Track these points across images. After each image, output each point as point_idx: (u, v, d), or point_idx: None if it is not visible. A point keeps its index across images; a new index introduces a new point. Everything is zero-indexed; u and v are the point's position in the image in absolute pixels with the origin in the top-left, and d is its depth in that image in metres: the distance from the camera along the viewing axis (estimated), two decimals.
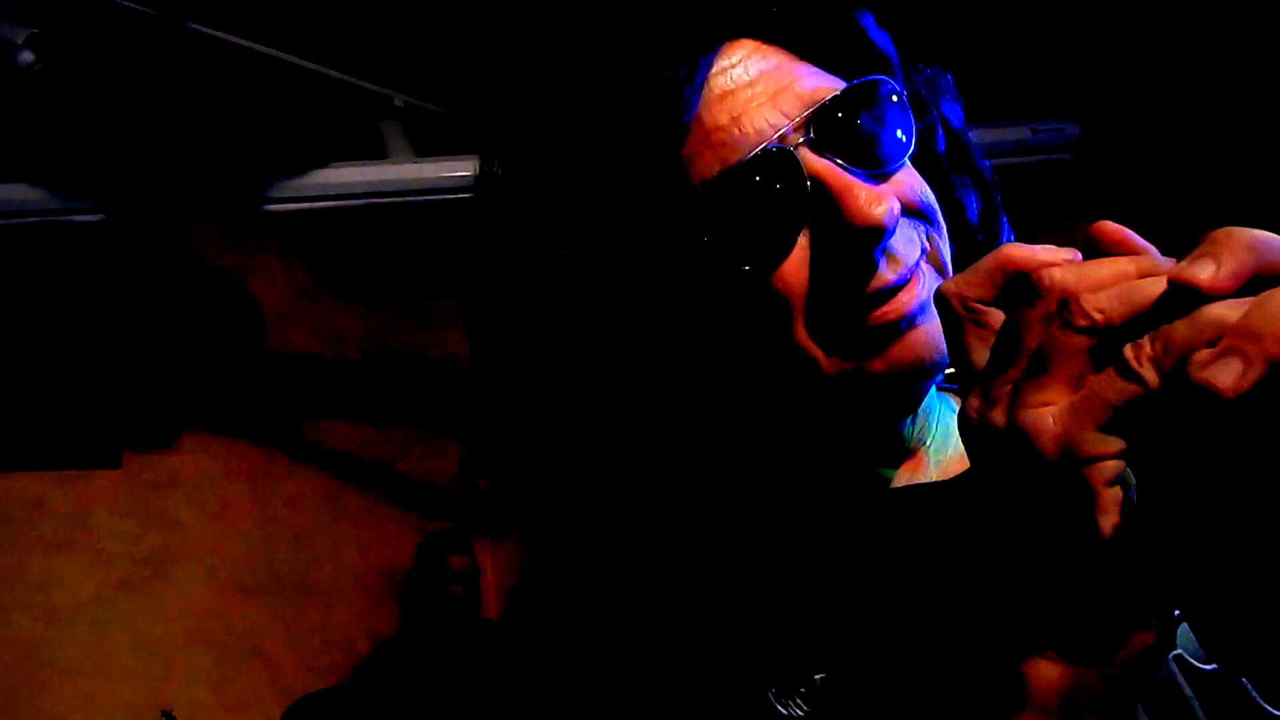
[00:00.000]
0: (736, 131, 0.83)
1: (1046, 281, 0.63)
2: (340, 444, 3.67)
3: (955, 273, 0.83)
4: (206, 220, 3.24)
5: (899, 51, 0.92)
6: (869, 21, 0.92)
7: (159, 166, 2.93)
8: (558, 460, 0.94)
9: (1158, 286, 0.61)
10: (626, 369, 0.88)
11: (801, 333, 0.84)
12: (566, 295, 0.89)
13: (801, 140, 0.83)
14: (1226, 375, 0.57)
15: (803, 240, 0.83)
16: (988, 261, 0.66)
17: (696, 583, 0.85)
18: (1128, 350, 0.60)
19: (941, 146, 0.95)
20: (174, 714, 3.11)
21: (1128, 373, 0.60)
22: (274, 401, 3.48)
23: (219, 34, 2.85)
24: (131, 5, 2.82)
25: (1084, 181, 3.14)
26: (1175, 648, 0.81)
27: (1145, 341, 0.60)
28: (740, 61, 0.86)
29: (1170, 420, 0.60)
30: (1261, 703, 0.79)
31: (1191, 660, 0.81)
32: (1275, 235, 0.61)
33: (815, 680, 0.79)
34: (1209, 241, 0.60)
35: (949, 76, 0.98)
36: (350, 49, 2.84)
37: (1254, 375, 0.56)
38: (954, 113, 0.98)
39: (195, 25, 2.85)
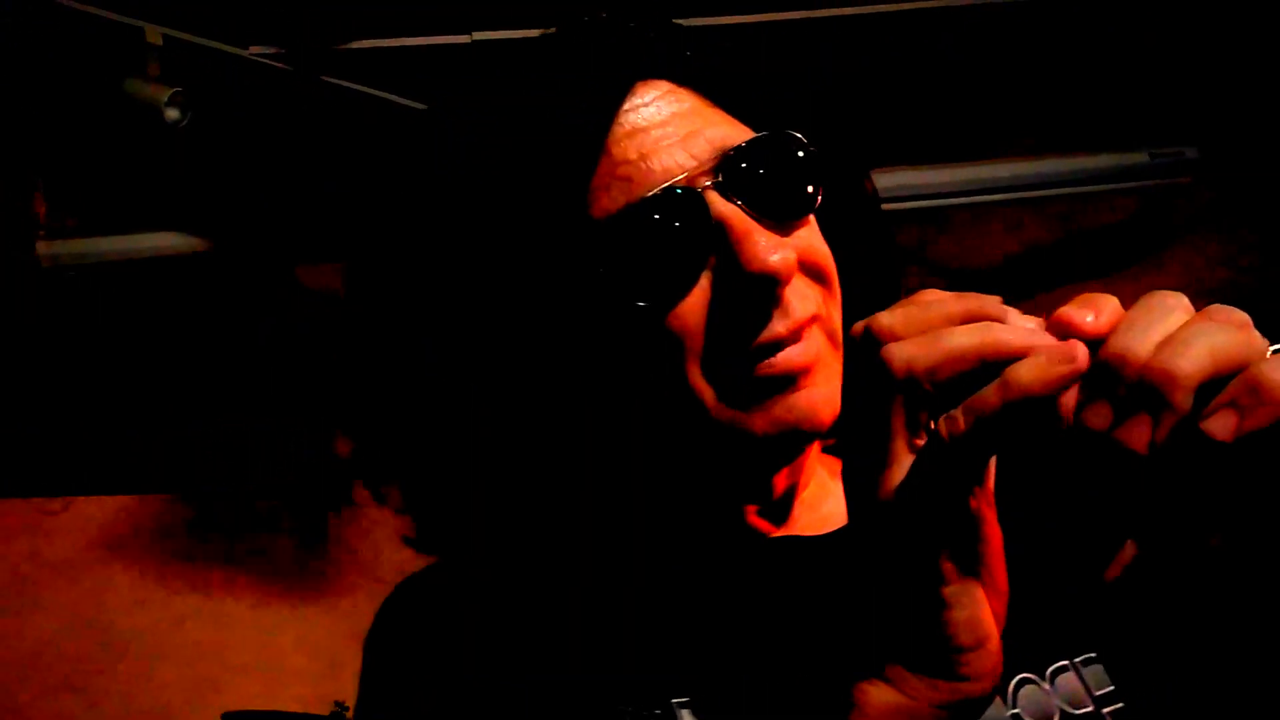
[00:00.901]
0: (644, 167, 0.82)
1: (873, 329, 0.63)
2: None
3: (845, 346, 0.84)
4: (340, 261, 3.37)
5: (817, 113, 0.91)
6: (787, 78, 0.93)
7: (301, 212, 3.07)
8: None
9: (964, 339, 0.60)
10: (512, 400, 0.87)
11: (694, 373, 0.82)
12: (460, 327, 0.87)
13: (709, 183, 0.81)
14: (1139, 433, 0.56)
15: (704, 281, 0.82)
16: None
17: (564, 616, 0.85)
18: (940, 423, 0.61)
19: (850, 213, 0.93)
20: (346, 704, 3.28)
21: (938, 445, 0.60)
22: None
23: (355, 86, 2.96)
24: (269, 61, 2.93)
25: (1204, 205, 3.15)
26: (1014, 708, 0.83)
27: (957, 414, 0.60)
28: (653, 101, 0.85)
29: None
30: None
31: None
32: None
33: (671, 704, 0.79)
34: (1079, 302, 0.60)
35: (863, 145, 0.97)
36: None
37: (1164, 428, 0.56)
38: (865, 180, 0.97)
39: (331, 79, 2.96)
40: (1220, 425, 0.55)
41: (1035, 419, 0.59)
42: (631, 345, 0.83)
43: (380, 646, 0.94)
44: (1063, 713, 0.84)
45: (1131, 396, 0.57)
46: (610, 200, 0.82)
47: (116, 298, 3.32)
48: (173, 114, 2.93)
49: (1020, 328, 0.62)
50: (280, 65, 2.97)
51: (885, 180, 2.74)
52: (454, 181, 0.86)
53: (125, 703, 3.65)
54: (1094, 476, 0.59)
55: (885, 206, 1.04)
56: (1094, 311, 0.60)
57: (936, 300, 0.64)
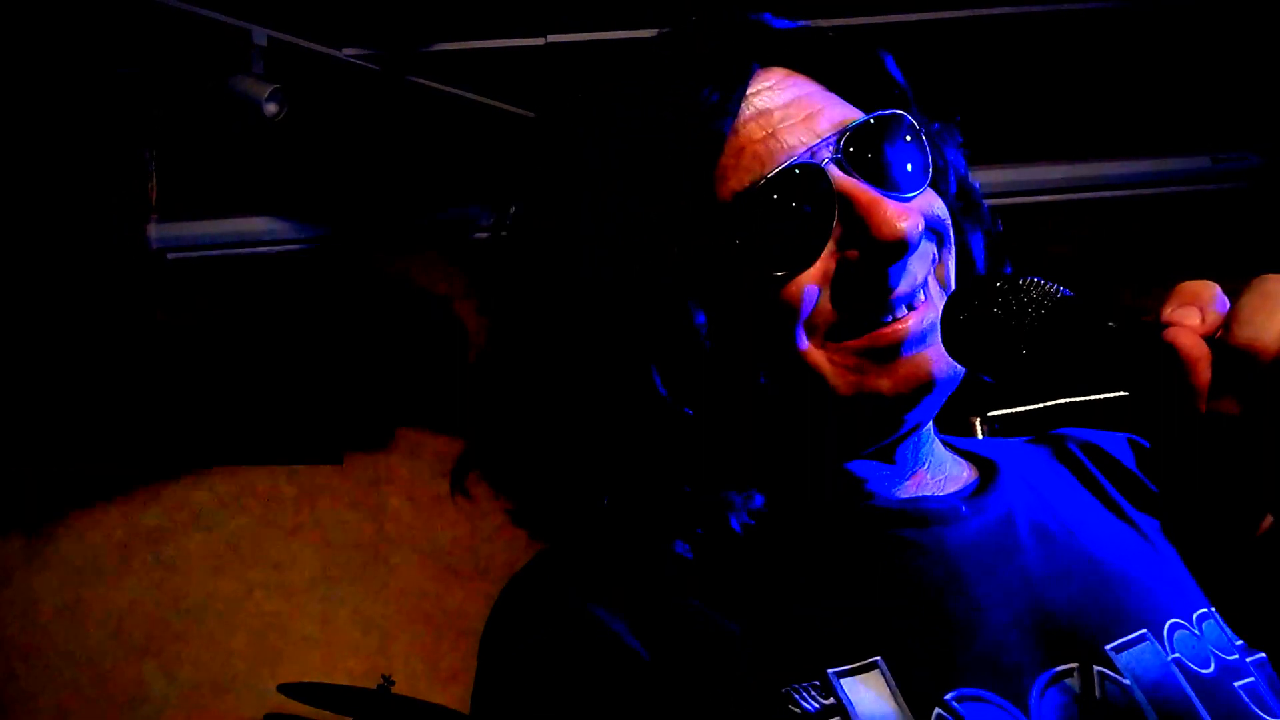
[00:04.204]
0: (772, 143, 0.86)
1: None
2: None
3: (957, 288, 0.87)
4: (425, 250, 3.61)
5: (916, 97, 0.96)
6: (891, 63, 0.97)
7: (385, 203, 3.28)
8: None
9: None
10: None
11: (814, 346, 0.85)
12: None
13: (830, 158, 0.85)
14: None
15: (826, 253, 0.85)
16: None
17: (716, 594, 0.85)
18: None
19: (951, 188, 0.97)
20: (392, 678, 3.39)
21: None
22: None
23: (438, 85, 3.17)
24: (359, 62, 3.15)
25: (1261, 211, 3.12)
26: (1175, 653, 0.86)
27: None
28: (775, 85, 0.89)
29: None
30: (1253, 709, 0.85)
31: (1190, 665, 0.86)
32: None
33: (828, 674, 0.80)
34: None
35: (956, 127, 1.00)
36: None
37: None
38: (960, 160, 1.00)
39: (416, 79, 3.18)
40: None
41: (1171, 405, 0.64)
42: (759, 318, 0.86)
43: (514, 631, 0.89)
44: (1215, 658, 0.88)
45: (1269, 384, 0.60)
46: (739, 179, 0.86)
47: (217, 279, 3.56)
48: (271, 108, 3.15)
49: None
50: (371, 65, 3.18)
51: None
52: (594, 174, 0.90)
53: (197, 670, 3.82)
54: (1228, 457, 0.63)
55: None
56: (1197, 310, 0.66)
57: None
